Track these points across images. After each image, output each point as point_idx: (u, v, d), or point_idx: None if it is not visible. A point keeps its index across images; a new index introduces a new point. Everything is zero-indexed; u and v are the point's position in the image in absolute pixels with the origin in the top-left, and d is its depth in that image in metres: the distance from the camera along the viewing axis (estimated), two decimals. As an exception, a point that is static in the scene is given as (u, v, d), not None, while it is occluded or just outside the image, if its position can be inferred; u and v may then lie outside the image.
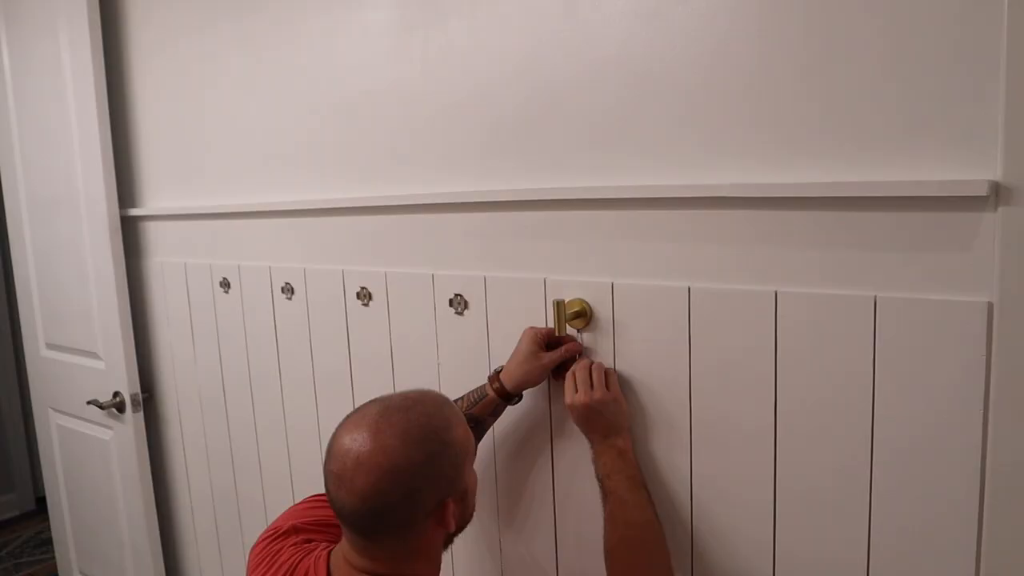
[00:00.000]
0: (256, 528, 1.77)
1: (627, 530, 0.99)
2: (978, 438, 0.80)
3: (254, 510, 1.79)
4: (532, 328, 1.12)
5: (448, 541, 0.97)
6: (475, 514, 0.99)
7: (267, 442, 1.71)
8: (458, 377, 1.27)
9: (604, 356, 1.09)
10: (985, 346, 0.79)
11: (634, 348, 1.06)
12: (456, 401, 1.12)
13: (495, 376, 1.13)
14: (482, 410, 1.13)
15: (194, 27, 1.70)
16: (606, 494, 1.03)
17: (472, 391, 1.15)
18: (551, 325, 1.09)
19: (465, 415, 1.03)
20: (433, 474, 0.86)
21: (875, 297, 0.85)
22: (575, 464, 1.15)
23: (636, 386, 1.07)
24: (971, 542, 0.82)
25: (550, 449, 1.19)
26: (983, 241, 0.78)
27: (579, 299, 1.10)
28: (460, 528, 0.96)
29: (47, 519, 2.66)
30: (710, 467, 1.01)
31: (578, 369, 1.07)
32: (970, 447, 0.81)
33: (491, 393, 1.12)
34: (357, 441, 0.84)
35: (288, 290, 1.57)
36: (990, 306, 0.78)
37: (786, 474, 0.95)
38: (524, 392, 1.16)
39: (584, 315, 1.10)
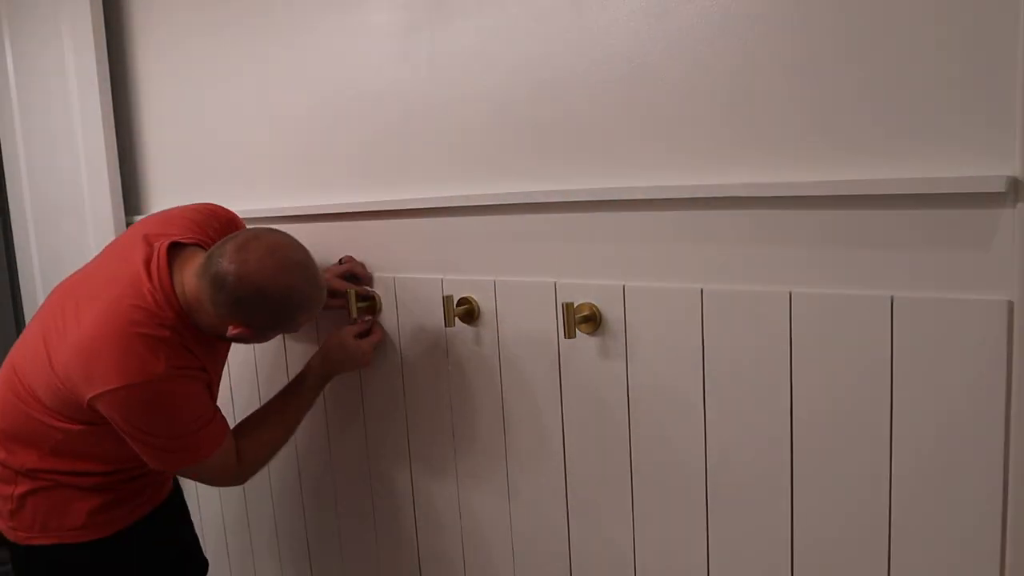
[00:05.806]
0: (262, 525, 1.76)
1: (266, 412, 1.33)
2: (1000, 440, 0.79)
3: (261, 506, 1.78)
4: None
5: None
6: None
7: (274, 447, 1.69)
8: (470, 384, 1.26)
9: (616, 358, 1.08)
10: (1006, 345, 0.78)
11: (647, 350, 1.05)
12: None
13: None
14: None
15: (198, 31, 1.70)
16: (292, 386, 1.36)
17: None
18: (561, 329, 1.08)
19: None
20: None
21: (892, 297, 0.84)
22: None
23: (649, 389, 1.06)
24: (995, 547, 0.81)
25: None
26: (1002, 238, 0.77)
27: (588, 303, 1.09)
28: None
29: (54, 526, 2.65)
30: (725, 469, 1.00)
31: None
32: (992, 449, 0.80)
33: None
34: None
35: (295, 295, 1.56)
36: (1010, 304, 0.77)
37: (803, 476, 0.94)
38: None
39: (593, 320, 1.09)
